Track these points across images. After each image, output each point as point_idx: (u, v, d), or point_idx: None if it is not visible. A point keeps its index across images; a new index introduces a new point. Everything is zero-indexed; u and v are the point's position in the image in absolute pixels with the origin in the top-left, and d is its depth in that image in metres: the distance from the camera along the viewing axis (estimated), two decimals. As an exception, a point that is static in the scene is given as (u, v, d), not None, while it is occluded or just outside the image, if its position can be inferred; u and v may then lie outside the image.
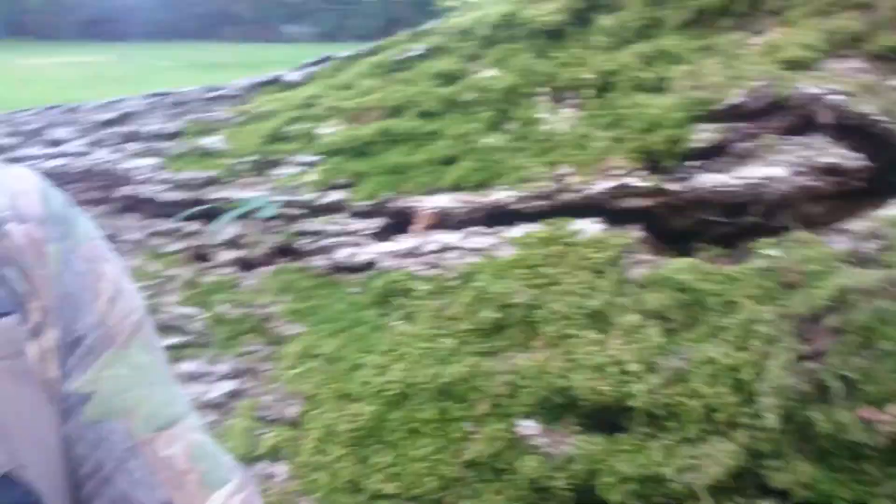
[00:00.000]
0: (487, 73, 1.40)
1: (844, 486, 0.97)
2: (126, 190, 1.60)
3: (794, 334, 1.01)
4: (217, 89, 1.68)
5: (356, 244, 1.37)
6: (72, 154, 1.70)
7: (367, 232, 1.39)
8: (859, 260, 1.03)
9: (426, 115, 1.42)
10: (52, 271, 0.64)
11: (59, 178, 1.68)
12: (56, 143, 1.75)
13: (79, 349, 0.67)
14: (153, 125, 1.68)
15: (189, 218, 1.49)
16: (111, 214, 1.61)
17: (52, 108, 1.92)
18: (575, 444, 1.11)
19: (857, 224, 1.07)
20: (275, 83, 1.66)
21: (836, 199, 1.13)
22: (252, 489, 0.69)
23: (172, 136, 1.65)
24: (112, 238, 1.62)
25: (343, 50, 1.66)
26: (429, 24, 1.57)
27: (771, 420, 0.98)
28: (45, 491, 0.63)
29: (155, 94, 1.75)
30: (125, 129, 1.70)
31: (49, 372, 0.62)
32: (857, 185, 1.11)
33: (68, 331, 0.64)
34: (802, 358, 1.00)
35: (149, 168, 1.59)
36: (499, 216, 1.31)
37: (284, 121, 1.55)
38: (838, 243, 1.06)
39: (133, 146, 1.66)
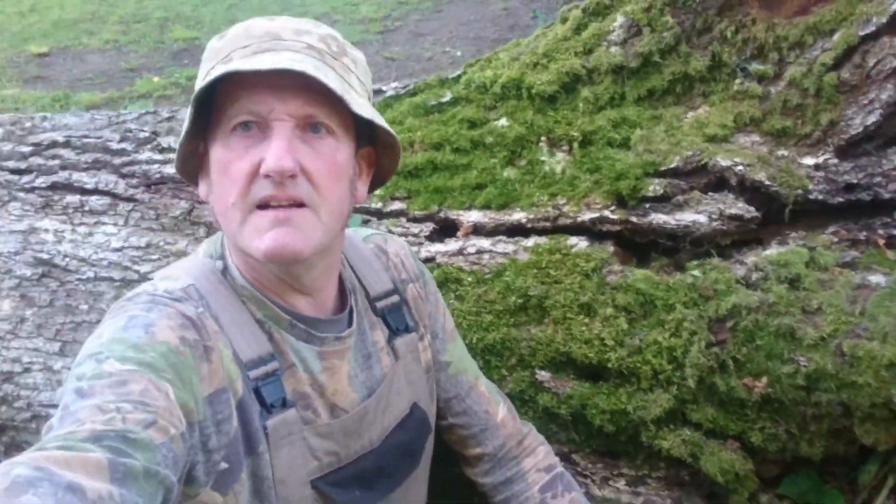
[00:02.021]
0: (501, 123, 1.75)
1: (733, 422, 1.45)
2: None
3: (707, 329, 1.48)
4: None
5: (419, 244, 1.77)
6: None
7: (423, 234, 1.78)
8: (748, 284, 1.48)
9: (459, 150, 1.77)
10: (423, 306, 1.29)
11: (180, 182, 2.00)
12: (167, 150, 2.04)
13: (437, 340, 1.31)
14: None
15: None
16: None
17: (147, 113, 2.18)
18: (571, 387, 1.59)
19: (749, 258, 1.52)
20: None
21: (737, 237, 1.57)
22: (509, 403, 1.44)
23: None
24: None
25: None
26: (453, 74, 1.88)
27: (691, 381, 1.46)
28: (427, 413, 1.26)
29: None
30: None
31: (426, 357, 1.29)
32: (752, 227, 1.56)
33: (433, 333, 1.32)
34: (711, 345, 1.46)
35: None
36: (516, 230, 1.71)
37: (351, 144, 1.88)
38: (737, 270, 1.51)
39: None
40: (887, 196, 1.48)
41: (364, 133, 1.07)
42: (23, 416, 1.93)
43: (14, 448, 1.99)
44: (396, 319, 1.23)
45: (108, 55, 8.42)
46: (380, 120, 1.02)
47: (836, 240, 1.52)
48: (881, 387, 1.29)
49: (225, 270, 1.06)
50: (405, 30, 8.63)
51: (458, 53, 7.64)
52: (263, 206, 0.95)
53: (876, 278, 1.41)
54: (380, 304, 1.21)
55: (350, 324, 1.14)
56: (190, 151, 1.03)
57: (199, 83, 1.00)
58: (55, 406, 1.91)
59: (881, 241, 1.49)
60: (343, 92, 0.94)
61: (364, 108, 1.00)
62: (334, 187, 0.99)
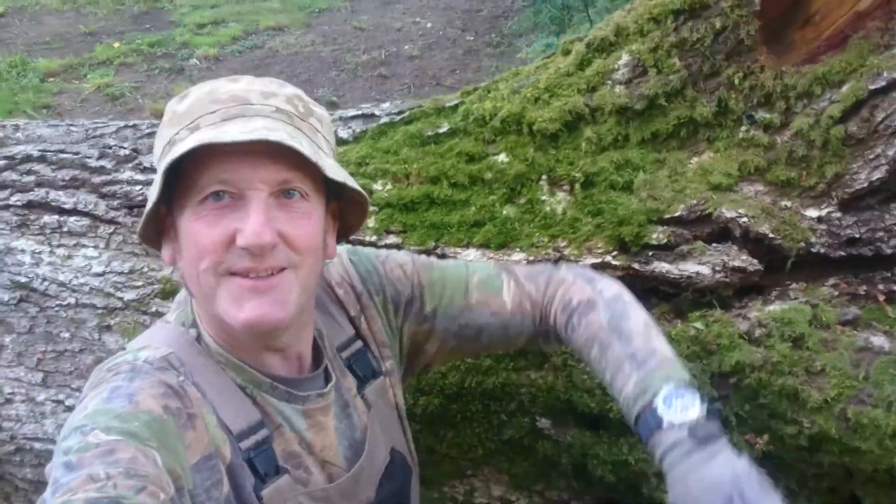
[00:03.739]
0: (501, 158, 1.70)
1: (734, 478, 1.48)
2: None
3: (710, 384, 1.47)
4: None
5: (414, 281, 1.72)
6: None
7: (419, 271, 1.72)
8: (751, 340, 1.47)
9: (457, 185, 1.72)
10: (379, 317, 1.23)
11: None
12: (149, 170, 1.94)
13: (412, 304, 1.25)
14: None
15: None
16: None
17: (126, 126, 2.07)
18: (572, 435, 1.57)
19: (753, 313, 1.50)
20: (331, 137, 1.89)
21: (740, 289, 1.55)
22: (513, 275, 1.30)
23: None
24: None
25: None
26: (450, 103, 1.81)
27: (695, 437, 1.46)
28: (406, 455, 1.23)
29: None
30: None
31: (396, 396, 1.23)
32: (754, 279, 1.54)
33: (406, 305, 1.25)
34: (714, 400, 1.46)
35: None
36: (516, 271, 1.67)
37: (345, 174, 1.81)
38: (740, 325, 1.49)
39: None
40: (889, 251, 1.48)
41: (332, 189, 1.06)
42: (6, 450, 1.86)
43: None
44: (363, 367, 1.21)
45: (66, 17, 8.08)
46: (352, 182, 1.02)
47: (836, 293, 1.51)
48: (885, 454, 1.30)
49: (199, 338, 1.05)
50: (374, -2, 8.43)
51: (429, 25, 7.49)
52: (241, 274, 0.95)
53: (878, 340, 1.40)
54: (344, 354, 1.19)
55: (328, 377, 1.13)
56: (152, 215, 0.99)
57: (166, 151, 0.97)
58: (39, 439, 1.84)
59: (881, 297, 1.48)
60: (316, 157, 0.93)
61: (336, 171, 0.99)
62: (311, 250, 1.00)
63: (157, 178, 0.93)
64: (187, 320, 1.07)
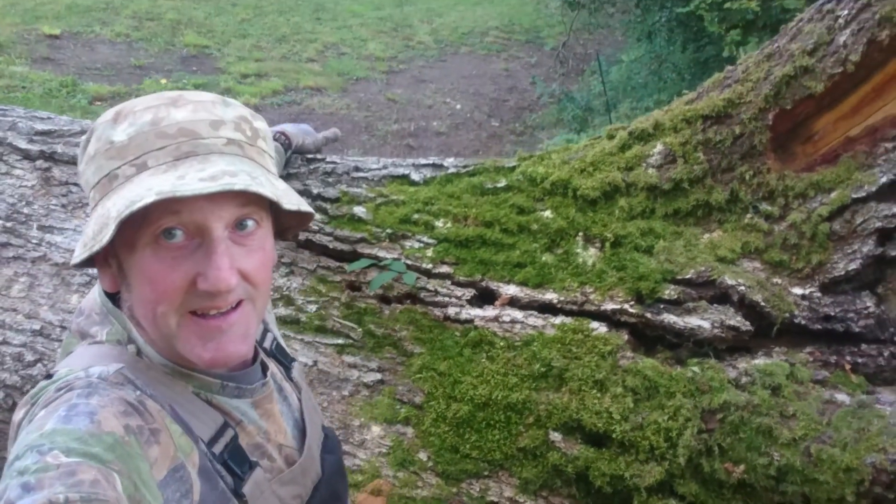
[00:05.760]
0: (546, 214, 2.06)
1: (712, 499, 1.76)
2: (302, 234, 2.20)
3: (700, 418, 1.78)
4: (361, 170, 2.27)
5: (460, 305, 2.05)
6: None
7: (465, 298, 2.06)
8: (738, 385, 1.80)
9: (506, 231, 2.07)
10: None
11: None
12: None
13: None
14: (315, 188, 2.26)
15: (353, 268, 2.12)
16: (293, 248, 2.22)
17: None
18: (578, 449, 1.87)
19: (741, 364, 1.84)
20: (403, 178, 2.25)
21: (731, 344, 1.89)
22: None
23: (331, 200, 2.24)
24: (292, 264, 2.22)
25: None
26: (509, 164, 2.18)
27: (682, 460, 1.76)
28: (333, 430, 1.32)
29: (313, 159, 2.31)
30: (296, 186, 2.27)
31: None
32: (745, 338, 1.88)
33: None
34: (701, 431, 1.77)
35: (319, 221, 2.20)
36: (547, 308, 2.00)
37: (411, 210, 2.16)
38: (730, 372, 1.82)
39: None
40: (857, 330, 1.81)
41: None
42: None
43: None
44: (282, 353, 1.26)
45: (118, 48, 8.60)
46: (305, 207, 1.00)
47: (811, 359, 1.84)
48: (838, 485, 1.61)
49: (139, 353, 1.02)
50: (409, 74, 9.02)
51: (458, 106, 8.02)
52: (201, 313, 0.95)
53: (842, 396, 1.73)
54: (265, 344, 1.23)
55: (265, 366, 1.16)
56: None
57: (107, 187, 0.92)
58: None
59: (847, 366, 1.81)
60: (276, 195, 0.93)
61: (289, 198, 0.97)
62: (266, 276, 1.01)
63: (111, 227, 0.85)
64: (122, 338, 1.02)
